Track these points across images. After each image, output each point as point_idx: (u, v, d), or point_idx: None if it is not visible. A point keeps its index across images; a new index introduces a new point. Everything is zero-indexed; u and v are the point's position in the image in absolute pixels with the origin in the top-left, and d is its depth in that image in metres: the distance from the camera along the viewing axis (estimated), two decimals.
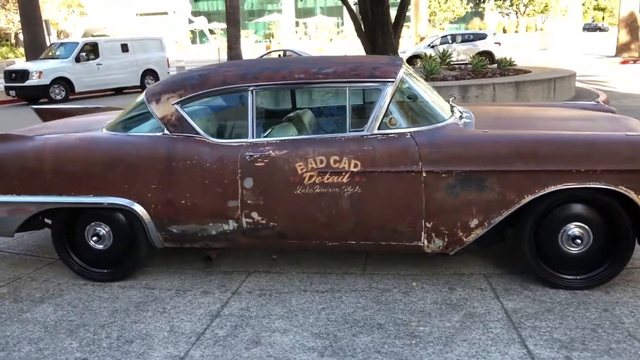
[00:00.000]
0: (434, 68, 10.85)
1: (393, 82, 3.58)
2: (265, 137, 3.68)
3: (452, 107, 4.04)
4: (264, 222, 3.62)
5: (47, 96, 17.08)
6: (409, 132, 3.52)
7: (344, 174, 3.49)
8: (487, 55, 20.53)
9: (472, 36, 23.72)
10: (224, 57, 32.87)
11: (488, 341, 2.99)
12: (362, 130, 3.56)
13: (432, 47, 21.53)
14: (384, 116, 3.54)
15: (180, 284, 3.87)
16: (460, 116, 3.87)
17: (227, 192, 3.61)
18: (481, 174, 3.37)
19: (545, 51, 29.13)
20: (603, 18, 77.05)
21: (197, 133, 3.69)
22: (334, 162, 3.49)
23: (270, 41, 41.96)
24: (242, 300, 3.58)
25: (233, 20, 25.37)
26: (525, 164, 3.33)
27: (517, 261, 3.90)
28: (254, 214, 3.61)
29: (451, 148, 3.42)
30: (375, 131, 3.54)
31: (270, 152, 3.56)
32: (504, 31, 54.79)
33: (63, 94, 17.43)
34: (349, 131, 3.58)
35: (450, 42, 22.91)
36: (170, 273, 4.07)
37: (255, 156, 3.57)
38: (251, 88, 3.67)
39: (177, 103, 3.74)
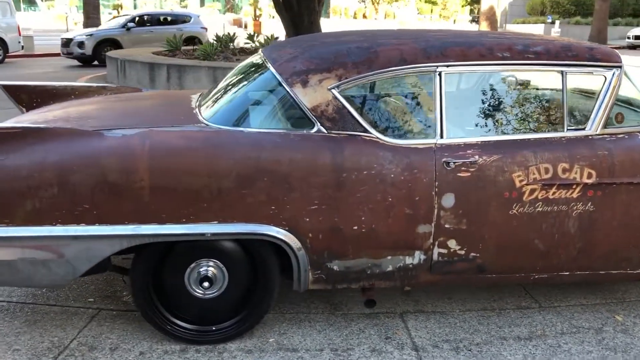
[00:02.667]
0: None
1: (621, 67, 2.81)
2: (461, 136, 2.71)
3: None
4: (462, 252, 2.67)
5: None
6: None
7: (574, 187, 2.66)
8: (193, 40, 16.40)
9: (173, 17, 19.32)
10: (72, 27, 29.42)
11: None
12: (584, 129, 2.75)
13: (128, 29, 17.41)
14: (609, 111, 2.77)
15: (325, 340, 2.77)
16: None
17: (417, 213, 2.59)
18: None
19: None
20: (432, 10, 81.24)
21: (365, 131, 2.61)
22: (562, 171, 2.65)
23: (118, 12, 38.12)
24: None
25: None
26: None
27: None
28: (452, 243, 2.65)
29: None
30: (601, 130, 2.75)
31: (476, 157, 2.61)
32: (364, 17, 55.73)
33: None
34: (567, 129, 2.75)
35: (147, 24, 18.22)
36: (290, 320, 2.93)
37: (457, 163, 2.59)
38: (439, 69, 2.68)
39: (334, 87, 2.61)
